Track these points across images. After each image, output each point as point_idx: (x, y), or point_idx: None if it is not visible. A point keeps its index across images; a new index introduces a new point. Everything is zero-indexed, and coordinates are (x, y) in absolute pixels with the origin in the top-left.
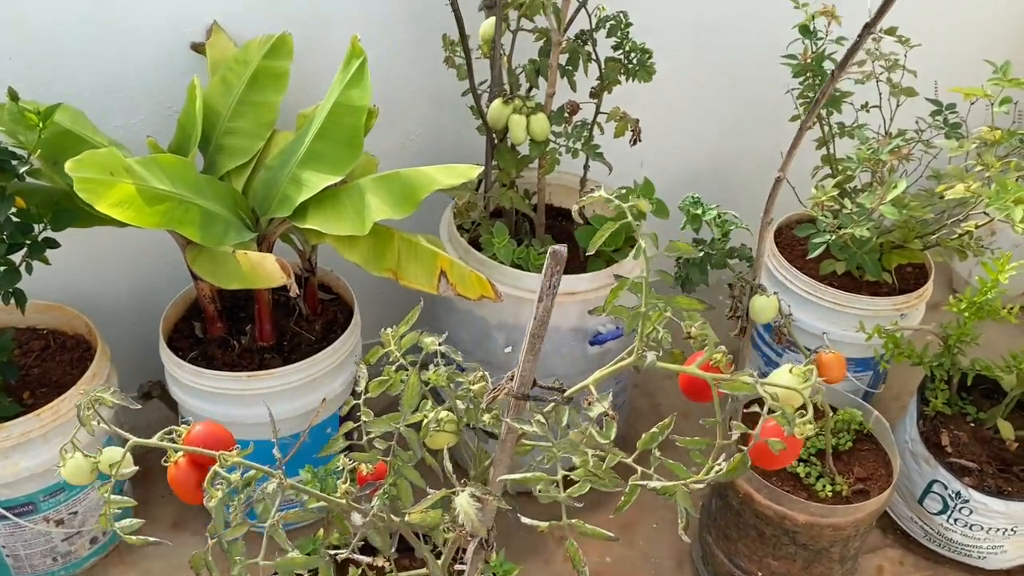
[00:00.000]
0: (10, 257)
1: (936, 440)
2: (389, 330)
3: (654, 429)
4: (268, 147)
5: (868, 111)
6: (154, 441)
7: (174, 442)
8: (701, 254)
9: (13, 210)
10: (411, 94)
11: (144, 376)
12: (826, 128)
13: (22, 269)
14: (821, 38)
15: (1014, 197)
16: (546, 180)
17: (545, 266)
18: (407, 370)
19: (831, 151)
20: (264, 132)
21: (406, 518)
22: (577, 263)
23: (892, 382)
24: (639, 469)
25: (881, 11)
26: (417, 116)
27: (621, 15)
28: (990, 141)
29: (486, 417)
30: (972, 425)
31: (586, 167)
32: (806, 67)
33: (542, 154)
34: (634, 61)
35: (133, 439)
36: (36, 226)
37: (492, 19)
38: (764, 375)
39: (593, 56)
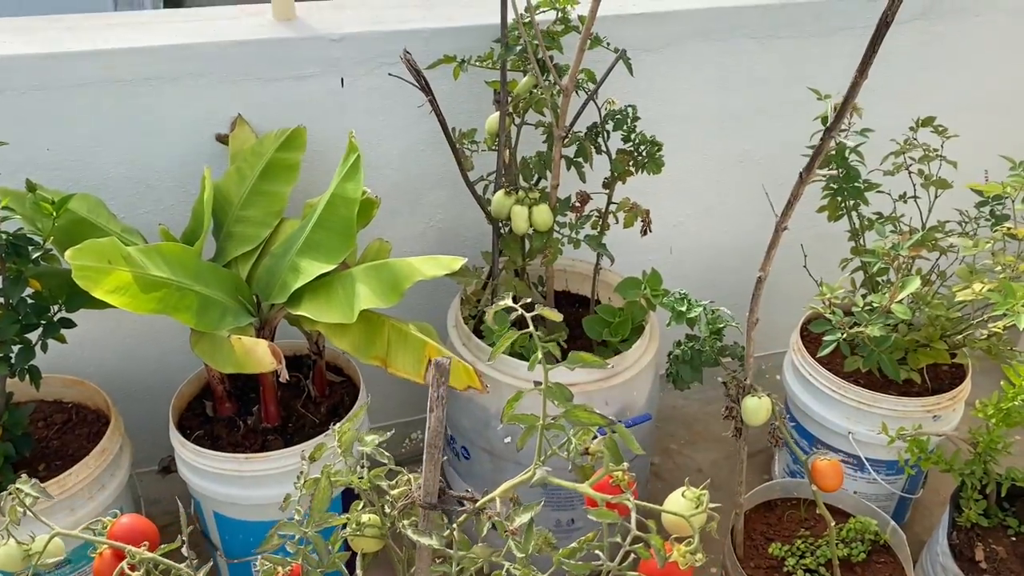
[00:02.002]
0: (27, 336)
1: (970, 554)
2: (337, 425)
3: (573, 545)
4: (275, 235)
5: (906, 202)
6: (76, 533)
7: (98, 534)
8: (690, 351)
9: (29, 291)
10: (432, 183)
11: (165, 451)
12: (856, 220)
13: (38, 348)
14: (844, 130)
15: (1021, 301)
16: (563, 267)
17: (431, 378)
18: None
19: (860, 243)
20: (272, 220)
21: None
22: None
23: (939, 485)
24: None
25: (839, 115)
26: (437, 204)
27: (629, 109)
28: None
29: (405, 523)
30: (1013, 539)
31: (599, 255)
32: (828, 159)
33: (545, 244)
34: (643, 153)
35: (57, 529)
36: (52, 307)
37: (497, 113)
38: (792, 474)
39: (604, 148)
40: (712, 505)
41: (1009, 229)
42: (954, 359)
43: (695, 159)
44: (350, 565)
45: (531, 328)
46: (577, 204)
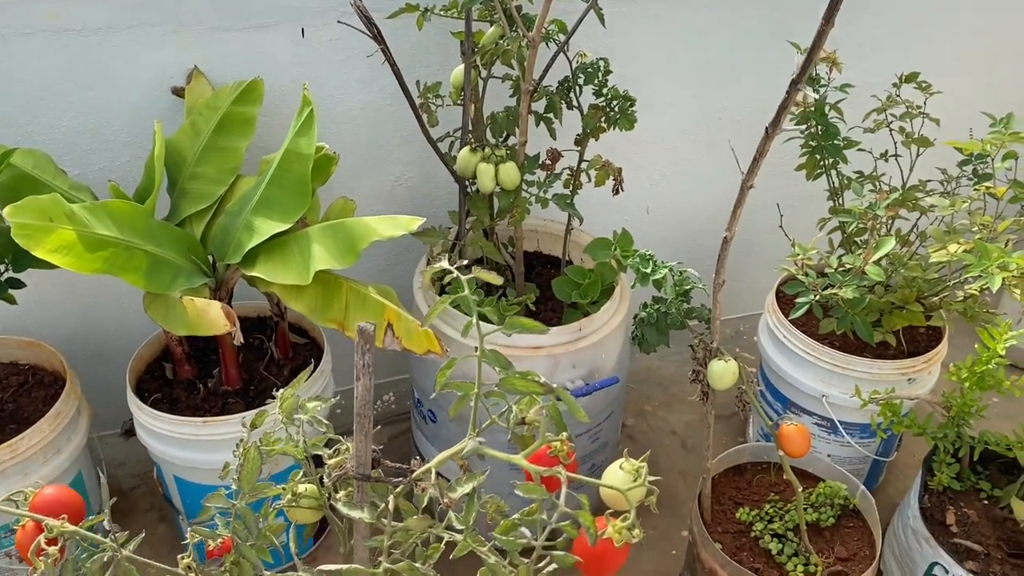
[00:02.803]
0: None
1: (941, 518)
2: (282, 391)
3: (516, 517)
4: (231, 192)
5: (887, 160)
6: None
7: (17, 505)
8: (656, 314)
9: None
10: (400, 139)
11: (128, 413)
12: (835, 179)
13: None
14: (823, 85)
15: (996, 263)
16: (533, 227)
17: (356, 344)
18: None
19: (838, 202)
20: (227, 177)
21: None
22: (557, 315)
23: (914, 448)
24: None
25: (805, 65)
26: (406, 161)
27: (601, 62)
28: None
29: (339, 495)
30: (985, 503)
31: (570, 215)
32: (807, 115)
33: (512, 204)
34: (616, 109)
35: None
36: None
37: (462, 66)
38: (767, 437)
39: (575, 104)
40: (652, 479)
41: (988, 188)
42: (930, 321)
43: (672, 116)
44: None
45: (466, 290)
46: (547, 162)
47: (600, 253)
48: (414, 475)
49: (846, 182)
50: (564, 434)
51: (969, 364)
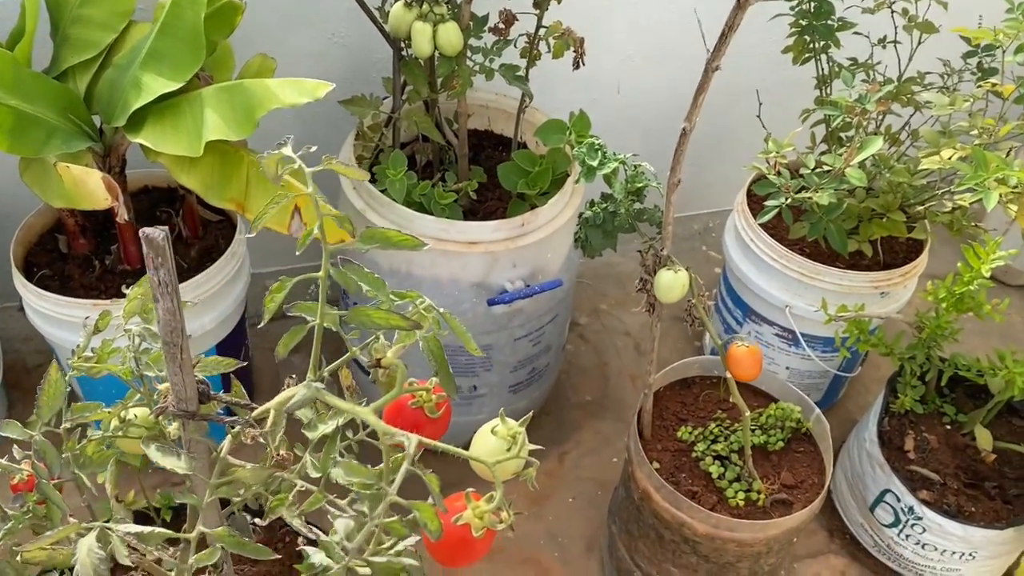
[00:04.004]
0: None
1: (899, 443)
2: (132, 288)
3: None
4: (121, 41)
5: (884, 47)
6: None
7: None
8: (603, 214)
9: None
10: None
11: None
12: (823, 65)
13: None
14: None
15: (994, 175)
16: (484, 103)
17: (146, 256)
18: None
19: (826, 92)
20: (118, 23)
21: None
22: (504, 204)
23: (881, 362)
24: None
25: None
26: (341, 15)
27: None
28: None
29: (171, 430)
30: (948, 428)
31: (526, 90)
32: None
33: (452, 72)
34: None
35: None
36: None
37: None
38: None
39: None
40: (530, 452)
41: (994, 85)
42: (912, 233)
43: None
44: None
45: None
46: (499, 25)
47: (552, 137)
48: (255, 413)
49: (837, 69)
50: (433, 380)
51: (948, 283)
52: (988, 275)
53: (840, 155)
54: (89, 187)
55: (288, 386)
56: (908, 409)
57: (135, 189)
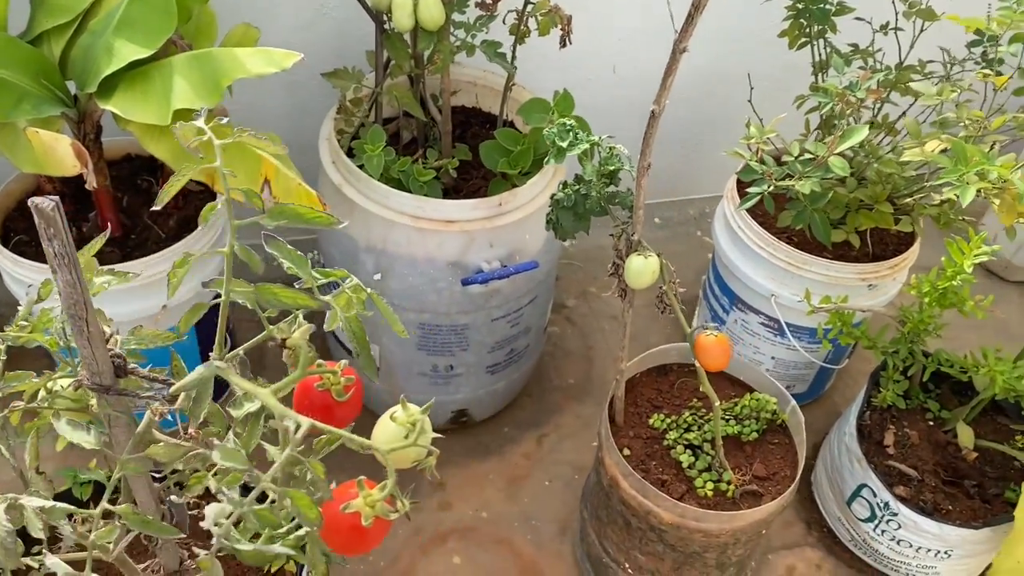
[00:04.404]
0: None
1: (879, 437)
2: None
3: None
4: (97, 6)
5: (886, 34)
6: None
7: None
8: (575, 196)
9: None
10: None
11: None
12: (819, 51)
13: None
14: None
15: (974, 169)
16: (472, 79)
17: (38, 227)
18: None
19: (822, 79)
20: None
21: None
22: (487, 185)
23: (869, 354)
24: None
25: None
26: None
27: None
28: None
29: (93, 403)
30: (931, 424)
31: (513, 67)
32: None
33: (433, 47)
34: None
35: None
36: None
37: None
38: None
39: None
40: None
41: (986, 75)
42: (898, 226)
43: None
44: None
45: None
46: (487, 1)
47: (535, 117)
48: (172, 390)
49: (846, 55)
50: (343, 362)
51: (932, 278)
52: (970, 270)
53: (824, 143)
54: (58, 153)
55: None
56: (891, 404)
57: (117, 157)
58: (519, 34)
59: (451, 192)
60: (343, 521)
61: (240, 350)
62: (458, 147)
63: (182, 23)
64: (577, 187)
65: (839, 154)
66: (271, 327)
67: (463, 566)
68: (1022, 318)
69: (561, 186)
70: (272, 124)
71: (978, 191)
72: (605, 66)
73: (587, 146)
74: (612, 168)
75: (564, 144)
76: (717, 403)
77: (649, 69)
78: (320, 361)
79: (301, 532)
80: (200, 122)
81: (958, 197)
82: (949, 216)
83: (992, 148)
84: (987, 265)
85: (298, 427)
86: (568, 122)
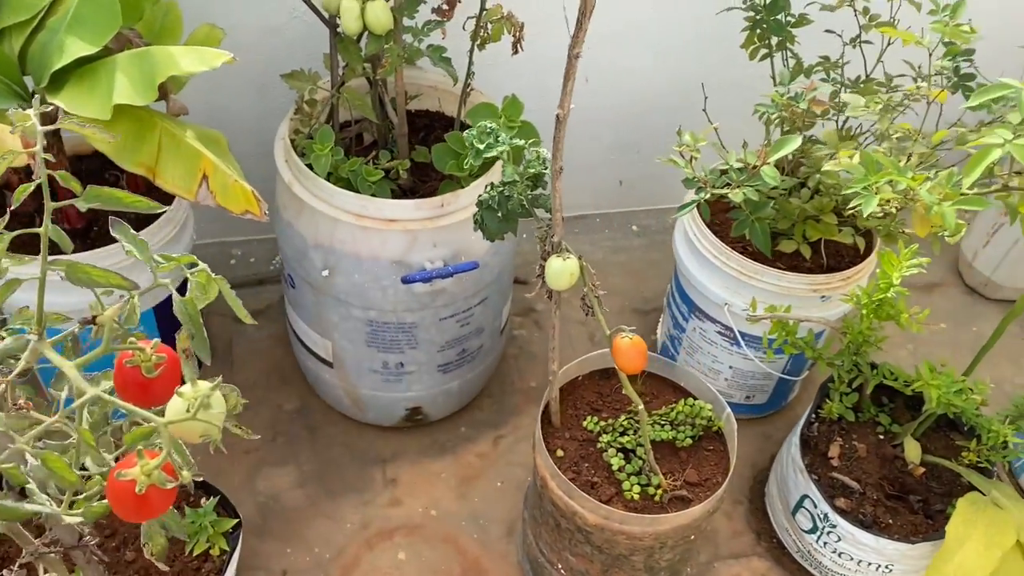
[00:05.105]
0: None
1: (825, 449)
2: None
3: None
4: (57, 4)
5: (855, 47)
6: None
7: None
8: (498, 197)
9: None
10: None
11: None
12: (786, 62)
13: None
14: None
15: (882, 179)
16: (433, 83)
17: None
18: None
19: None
20: None
21: None
22: (435, 186)
23: None
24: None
25: None
26: None
27: None
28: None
29: None
30: (880, 438)
31: (470, 72)
32: None
33: (380, 50)
34: None
35: None
36: None
37: None
38: (671, 339)
39: None
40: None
41: (919, 88)
42: (838, 236)
43: None
44: None
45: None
46: (444, 6)
47: (483, 121)
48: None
49: (799, 67)
50: (156, 341)
51: (869, 290)
52: (898, 282)
53: (755, 153)
54: (7, 144)
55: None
56: (840, 416)
57: (87, 152)
58: (481, 40)
59: (408, 193)
60: (123, 489)
61: (72, 329)
62: (418, 149)
63: (133, 21)
64: (501, 189)
65: (770, 163)
66: (93, 304)
67: (408, 562)
68: (1002, 339)
69: (488, 188)
70: (243, 124)
71: (885, 201)
72: (578, 74)
73: (504, 148)
74: (533, 172)
75: (481, 147)
76: (641, 406)
77: (623, 78)
78: (133, 339)
79: (92, 493)
80: (32, 111)
81: (858, 209)
82: (889, 228)
83: (909, 159)
84: (968, 282)
85: (81, 394)
86: (490, 125)
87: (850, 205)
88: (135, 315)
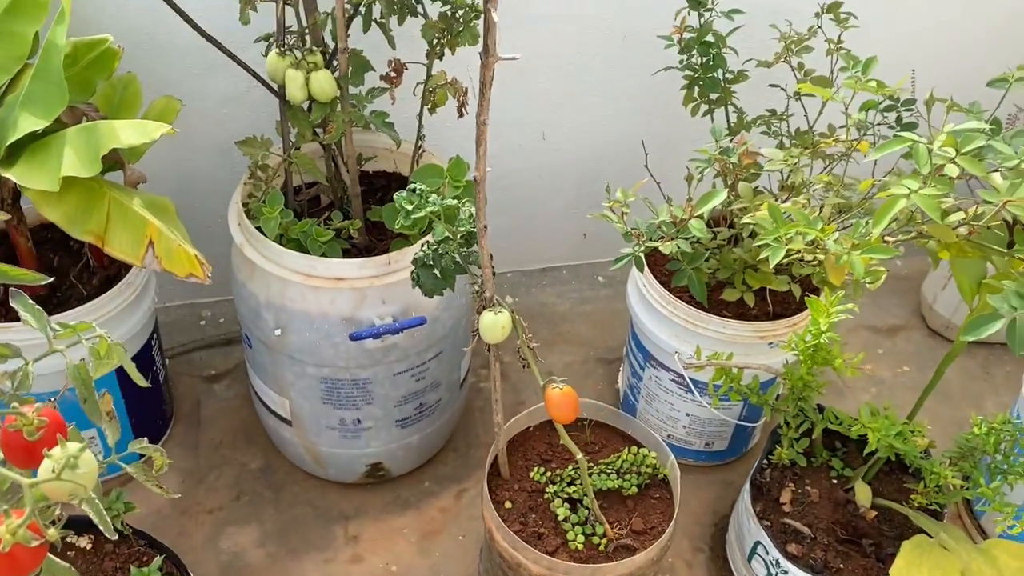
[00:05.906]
0: None
1: (776, 495)
2: None
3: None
4: (16, 82)
5: (799, 100)
6: None
7: None
8: (433, 255)
9: None
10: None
11: None
12: (729, 117)
13: None
14: (710, 9)
15: (791, 231)
16: (388, 146)
17: None
18: None
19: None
20: (13, 66)
21: None
22: (389, 245)
23: None
24: None
25: None
26: (261, 63)
27: None
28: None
29: None
30: (833, 482)
31: (420, 135)
32: (690, 43)
33: (325, 117)
34: (460, 20)
35: None
36: None
37: None
38: (631, 387)
39: (420, 11)
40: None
41: (834, 140)
42: (772, 284)
43: (570, 30)
44: None
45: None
46: (391, 74)
47: (430, 181)
48: None
49: (743, 121)
50: (39, 405)
51: (804, 335)
52: (827, 328)
53: (682, 207)
54: None
55: None
56: (792, 461)
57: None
58: (432, 103)
59: (364, 251)
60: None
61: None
62: (375, 209)
63: (86, 96)
64: (435, 247)
65: (699, 216)
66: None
67: None
68: (963, 380)
69: (423, 246)
70: (210, 187)
71: (795, 252)
72: (534, 132)
73: (434, 209)
74: (463, 230)
75: (410, 208)
76: (580, 456)
77: (579, 134)
78: (15, 404)
79: None
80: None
81: (767, 258)
82: (821, 275)
83: (821, 211)
84: (930, 325)
85: None
86: (419, 187)
87: (759, 257)
88: (27, 381)
